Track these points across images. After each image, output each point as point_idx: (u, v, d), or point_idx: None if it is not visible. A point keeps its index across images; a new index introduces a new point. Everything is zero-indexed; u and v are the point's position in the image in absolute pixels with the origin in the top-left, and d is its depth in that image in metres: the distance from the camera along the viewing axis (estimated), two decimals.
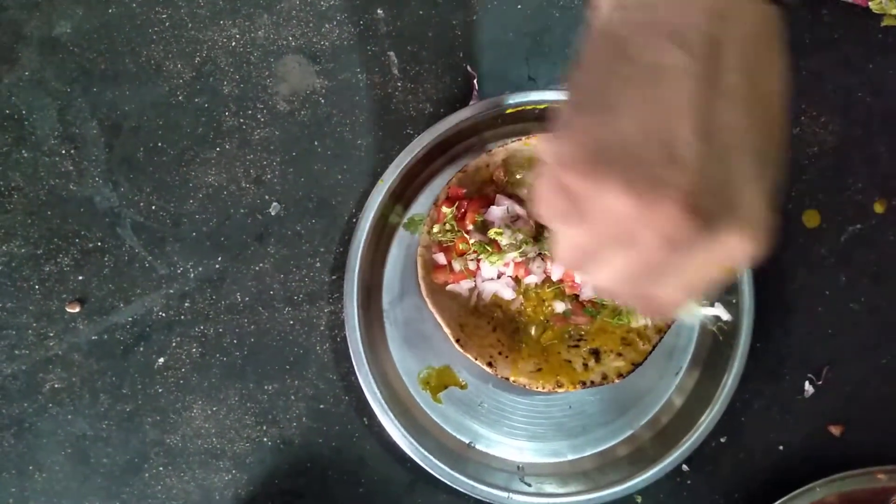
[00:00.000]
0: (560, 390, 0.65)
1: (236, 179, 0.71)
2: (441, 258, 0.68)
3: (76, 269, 0.70)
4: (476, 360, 0.66)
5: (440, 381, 0.70)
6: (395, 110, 0.72)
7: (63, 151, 0.71)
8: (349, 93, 0.72)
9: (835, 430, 0.72)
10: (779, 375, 0.72)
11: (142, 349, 0.70)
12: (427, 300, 0.67)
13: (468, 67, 0.72)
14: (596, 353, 0.67)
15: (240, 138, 0.71)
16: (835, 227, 0.73)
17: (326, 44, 0.72)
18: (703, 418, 0.67)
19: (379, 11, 0.72)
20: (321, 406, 0.70)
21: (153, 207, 0.71)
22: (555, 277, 0.67)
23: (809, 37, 0.74)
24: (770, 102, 0.37)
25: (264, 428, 0.70)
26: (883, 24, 0.73)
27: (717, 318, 0.70)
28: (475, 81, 0.72)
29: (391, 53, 0.72)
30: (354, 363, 0.67)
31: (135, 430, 0.69)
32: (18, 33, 0.71)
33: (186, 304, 0.70)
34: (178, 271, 0.70)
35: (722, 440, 0.71)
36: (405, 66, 0.72)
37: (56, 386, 0.69)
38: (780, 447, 0.71)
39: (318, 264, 0.71)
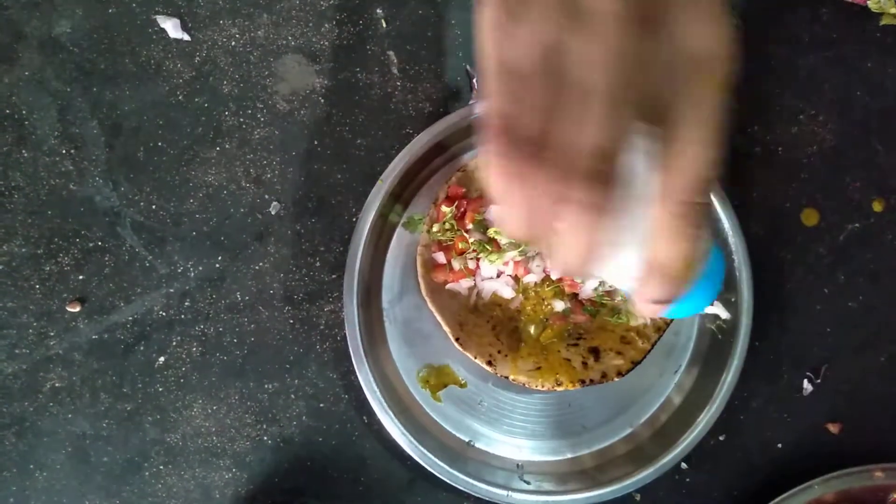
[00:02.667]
0: (559, 388, 0.65)
1: (236, 179, 0.71)
2: (441, 257, 0.68)
3: (76, 268, 0.70)
4: (475, 358, 0.66)
5: (440, 380, 0.70)
6: (394, 109, 0.72)
7: (63, 151, 0.71)
8: (349, 92, 0.72)
9: (833, 429, 0.72)
10: (777, 374, 0.72)
11: (142, 348, 0.70)
12: (427, 299, 0.67)
13: (467, 67, 0.72)
14: (595, 352, 0.67)
15: (239, 138, 0.71)
16: (833, 226, 0.73)
17: (326, 43, 0.72)
18: (702, 416, 0.67)
19: (378, 11, 0.72)
20: (321, 405, 0.70)
21: (153, 207, 0.71)
22: (554, 276, 0.67)
23: (808, 36, 0.74)
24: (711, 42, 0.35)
25: (264, 427, 0.70)
26: (881, 23, 0.73)
27: (716, 316, 0.70)
28: (474, 81, 0.72)
29: (391, 53, 0.72)
30: (354, 362, 0.67)
31: (135, 428, 0.70)
32: (18, 33, 0.71)
33: (187, 304, 0.70)
34: (179, 270, 0.71)
35: (721, 438, 0.71)
36: (404, 65, 0.72)
37: (56, 385, 0.70)
38: (779, 445, 0.72)
39: (317, 263, 0.71)
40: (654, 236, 0.35)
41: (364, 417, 0.70)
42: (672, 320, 0.68)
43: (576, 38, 0.32)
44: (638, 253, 0.37)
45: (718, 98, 0.35)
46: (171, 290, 0.71)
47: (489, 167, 0.34)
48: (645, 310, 0.38)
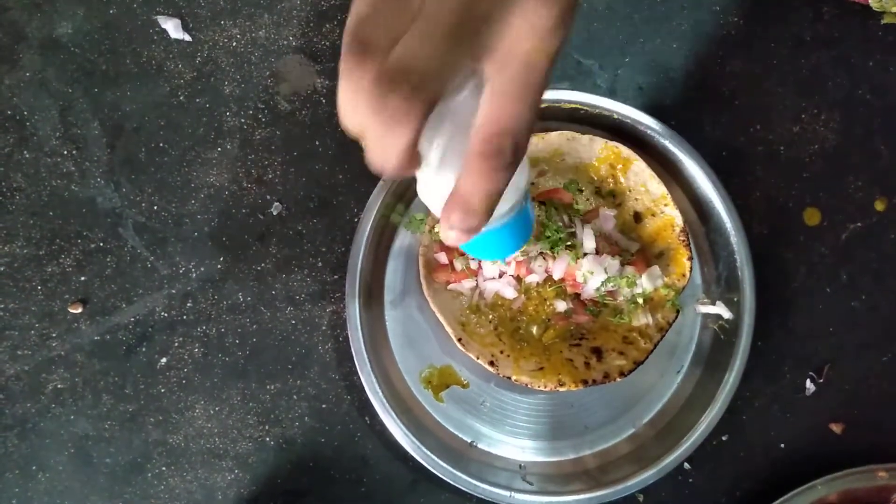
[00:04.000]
0: (562, 389, 0.65)
1: (238, 179, 0.71)
2: (442, 257, 0.68)
3: (78, 269, 0.70)
4: (478, 359, 0.66)
5: (442, 381, 0.70)
6: None
7: (65, 152, 0.71)
8: None
9: (836, 428, 0.72)
10: (780, 374, 0.72)
11: (144, 349, 0.70)
12: (429, 299, 0.67)
13: None
14: (597, 352, 0.67)
15: (241, 138, 0.71)
16: (835, 225, 0.73)
17: (327, 43, 0.72)
18: (704, 417, 0.67)
19: None
20: (323, 406, 0.70)
21: (155, 208, 0.71)
22: (556, 276, 0.67)
23: (810, 34, 0.74)
24: None
25: (267, 428, 0.70)
26: (883, 21, 0.73)
27: (719, 316, 0.70)
28: None
29: None
30: (356, 362, 0.67)
31: (137, 430, 0.70)
32: (20, 34, 0.71)
33: (188, 305, 0.70)
34: (180, 271, 0.71)
35: (723, 438, 0.71)
36: None
37: (59, 386, 0.70)
38: (782, 445, 0.71)
39: (319, 264, 0.71)
40: (463, 170, 0.39)
41: (366, 418, 0.70)
42: (674, 320, 0.68)
43: None
44: (451, 179, 0.40)
45: (542, 64, 0.38)
46: (173, 291, 0.70)
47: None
48: (444, 236, 0.41)
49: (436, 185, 0.42)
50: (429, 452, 0.66)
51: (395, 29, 0.36)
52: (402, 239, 0.71)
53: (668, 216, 0.69)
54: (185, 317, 0.70)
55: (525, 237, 0.50)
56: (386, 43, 0.36)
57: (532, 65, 0.38)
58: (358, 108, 0.36)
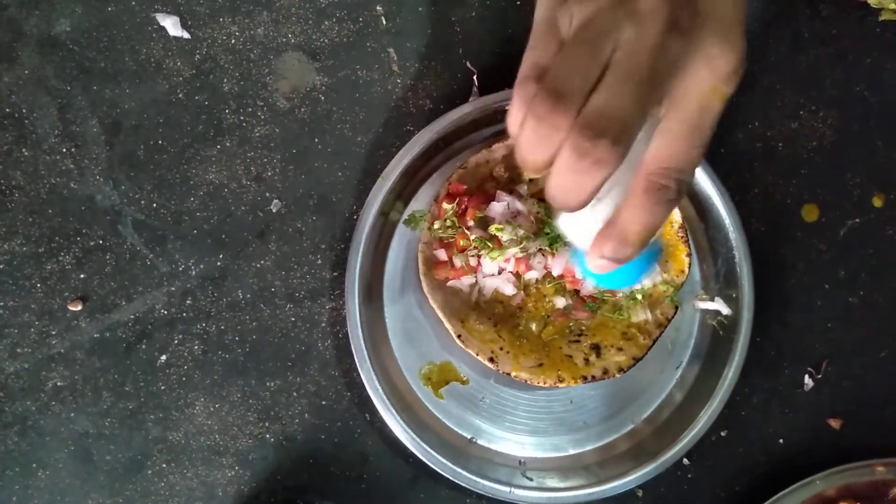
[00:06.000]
0: (561, 385, 0.66)
1: (237, 177, 0.71)
2: (442, 254, 0.68)
3: (78, 267, 0.70)
4: (477, 355, 0.66)
5: (441, 377, 0.70)
6: (395, 107, 0.72)
7: (63, 150, 0.71)
8: (349, 90, 0.72)
9: (834, 424, 0.72)
10: (778, 369, 0.72)
11: (144, 347, 0.70)
12: (428, 296, 0.67)
13: (468, 64, 0.72)
14: (597, 348, 0.67)
15: (240, 136, 0.71)
16: (833, 221, 0.73)
17: (326, 41, 0.72)
18: (703, 412, 0.67)
19: (378, 8, 0.72)
20: (323, 402, 0.71)
21: (154, 205, 0.71)
22: (555, 273, 0.67)
23: (808, 31, 0.74)
24: None
25: (266, 424, 0.70)
26: (881, 18, 0.73)
27: (718, 312, 0.70)
28: (475, 78, 0.72)
29: (391, 50, 0.72)
30: (356, 359, 0.67)
31: (137, 427, 0.70)
32: (18, 31, 0.71)
33: (188, 302, 0.70)
34: (180, 269, 0.71)
35: (722, 434, 0.71)
36: (405, 62, 0.72)
37: (58, 384, 0.70)
38: (780, 441, 0.72)
39: (319, 261, 0.71)
40: (625, 202, 0.40)
41: (366, 415, 0.70)
42: (673, 316, 0.68)
43: (626, 25, 0.37)
44: (606, 212, 0.42)
45: (716, 108, 0.40)
46: (173, 289, 0.71)
47: (512, 104, 0.40)
48: (592, 265, 0.43)
49: (588, 217, 0.43)
50: (429, 449, 0.67)
51: (590, 78, 0.37)
52: (402, 236, 0.71)
53: None
54: (184, 314, 0.70)
55: (654, 263, 0.51)
56: (581, 91, 0.37)
57: (706, 108, 0.39)
58: (547, 149, 0.38)
